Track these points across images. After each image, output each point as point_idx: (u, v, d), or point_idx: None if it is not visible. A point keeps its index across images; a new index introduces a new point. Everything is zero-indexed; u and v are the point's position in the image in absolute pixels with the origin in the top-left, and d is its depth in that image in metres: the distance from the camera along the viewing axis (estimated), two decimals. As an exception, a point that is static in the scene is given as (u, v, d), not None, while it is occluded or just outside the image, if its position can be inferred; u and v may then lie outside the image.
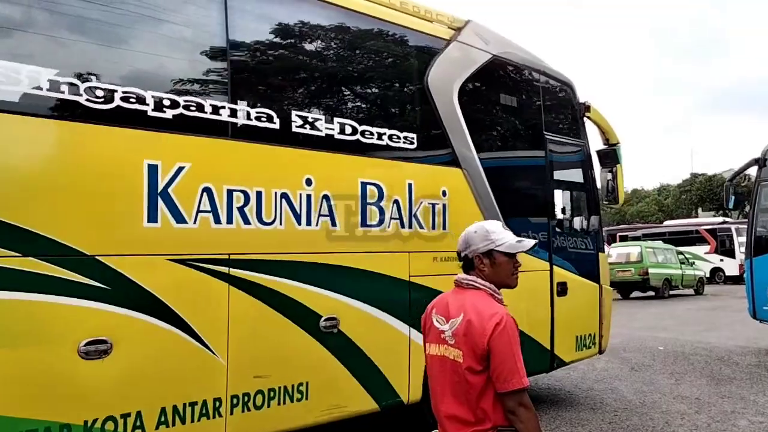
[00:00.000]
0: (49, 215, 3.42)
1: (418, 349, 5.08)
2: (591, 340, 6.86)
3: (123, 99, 3.69)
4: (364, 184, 4.82)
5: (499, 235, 2.66)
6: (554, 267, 6.42)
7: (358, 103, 5.00)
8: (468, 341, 2.47)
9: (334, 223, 4.62)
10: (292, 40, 4.68)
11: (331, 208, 4.59)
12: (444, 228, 5.40)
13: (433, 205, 5.32)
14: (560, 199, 6.83)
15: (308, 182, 4.48)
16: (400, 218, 5.06)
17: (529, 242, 2.71)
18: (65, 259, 3.43)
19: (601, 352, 7.06)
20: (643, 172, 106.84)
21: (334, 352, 4.58)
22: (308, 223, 4.46)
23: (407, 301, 5.08)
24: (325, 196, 4.57)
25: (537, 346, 6.20)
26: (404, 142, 5.16)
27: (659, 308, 18.89)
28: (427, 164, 5.39)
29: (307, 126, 4.53)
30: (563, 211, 6.87)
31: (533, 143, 6.52)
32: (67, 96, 3.52)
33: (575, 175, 7.05)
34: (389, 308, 4.95)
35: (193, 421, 3.86)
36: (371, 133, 4.92)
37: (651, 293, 23.06)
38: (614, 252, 23.69)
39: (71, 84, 3.53)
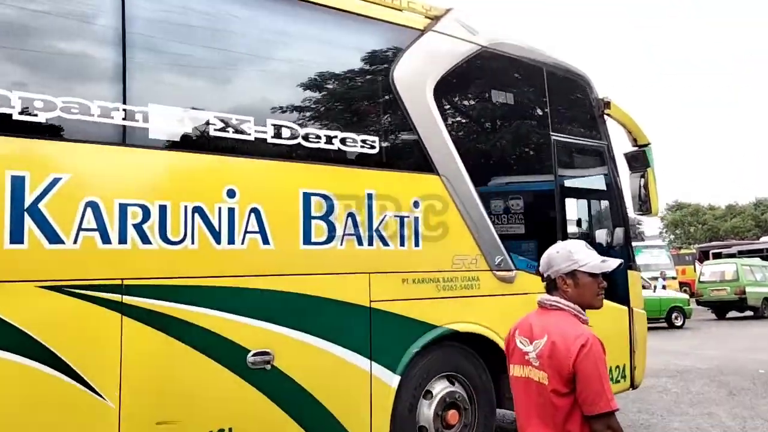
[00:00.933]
0: None
1: (382, 387, 4.34)
2: (620, 373, 5.85)
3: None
4: (307, 195, 4.14)
5: (582, 254, 2.63)
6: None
7: (300, 103, 4.33)
8: (553, 363, 2.47)
9: (266, 241, 3.96)
10: (210, 25, 4.07)
11: (261, 223, 3.95)
12: (416, 245, 4.64)
13: (402, 218, 4.58)
14: (575, 209, 5.92)
15: (230, 194, 3.85)
16: (357, 234, 4.35)
17: (614, 262, 2.68)
18: None
19: (633, 386, 6.03)
20: (737, 186, 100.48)
21: (267, 392, 3.89)
22: (230, 241, 3.83)
23: (367, 330, 4.34)
24: (254, 210, 3.92)
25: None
26: (362, 146, 4.47)
27: (759, 329, 17.37)
28: (394, 171, 4.67)
29: (230, 129, 3.92)
30: (578, 223, 5.96)
31: (537, 146, 5.67)
32: None
33: (594, 182, 6.12)
34: (342, 340, 4.22)
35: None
36: (317, 137, 4.26)
37: (749, 313, 21.27)
38: (707, 270, 22.59)
39: None
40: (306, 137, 4.20)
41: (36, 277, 3.25)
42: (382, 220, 4.47)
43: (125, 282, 3.48)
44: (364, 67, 4.72)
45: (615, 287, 5.99)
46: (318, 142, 4.25)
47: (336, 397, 4.18)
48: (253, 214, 3.91)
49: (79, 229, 3.36)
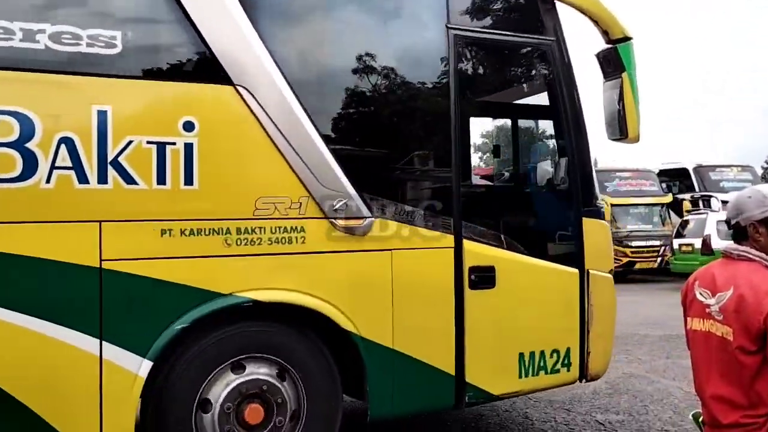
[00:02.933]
0: None
1: (121, 377, 3.17)
2: (559, 359, 4.21)
3: None
4: (-18, 113, 2.98)
5: None
6: (464, 241, 3.94)
7: None
8: (740, 318, 2.40)
9: None
10: None
11: None
12: (189, 182, 3.33)
13: (162, 145, 3.28)
14: (494, 134, 4.26)
15: None
16: (78, 168, 3.12)
17: None
18: None
19: (585, 377, 4.36)
20: None
21: None
22: None
23: (96, 300, 3.15)
24: None
25: (424, 370, 3.83)
26: (91, 46, 3.18)
27: None
28: (150, 80, 3.35)
29: None
30: (496, 152, 4.29)
31: (418, 41, 4.04)
32: None
33: (529, 96, 4.38)
34: (52, 313, 3.07)
35: None
36: (6, 31, 3.04)
37: None
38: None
39: None
40: (-14, 30, 3.01)
41: None
42: (125, 148, 3.20)
43: None
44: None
45: (555, 242, 4.33)
46: (10, 39, 3.04)
47: (38, 387, 3.06)
48: None
49: None
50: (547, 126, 4.49)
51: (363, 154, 3.88)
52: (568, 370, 4.25)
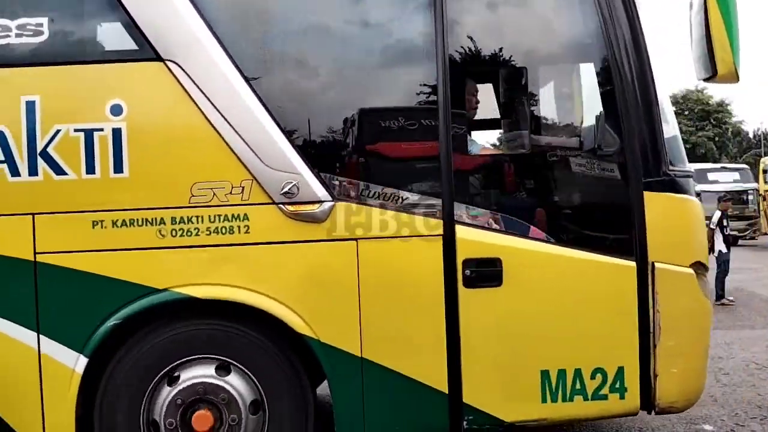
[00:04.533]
0: None
1: (58, 372, 3.14)
2: (605, 381, 3.15)
3: None
4: None
5: None
6: (458, 227, 3.13)
7: None
8: None
9: None
10: None
11: None
12: (119, 170, 3.12)
13: (90, 131, 3.11)
14: (499, 89, 3.27)
15: None
16: (10, 160, 3.11)
17: None
18: None
19: (653, 408, 3.21)
20: None
21: None
22: None
23: (30, 294, 3.13)
24: None
25: (406, 385, 3.16)
26: (20, 35, 3.13)
27: None
28: (76, 65, 3.18)
29: None
30: (506, 111, 3.29)
31: None
32: None
33: (547, 31, 3.28)
34: (-9, 306, 3.13)
35: None
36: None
37: None
38: None
39: None
40: None
41: None
42: (53, 137, 3.11)
43: None
44: None
45: (606, 224, 3.26)
46: (-51, 37, 3.12)
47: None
48: None
49: None
50: (572, 71, 3.35)
51: (318, 125, 3.28)
52: (622, 397, 3.17)
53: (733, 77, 3.12)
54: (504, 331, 3.17)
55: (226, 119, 3.10)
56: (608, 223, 3.26)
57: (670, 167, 3.22)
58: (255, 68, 3.19)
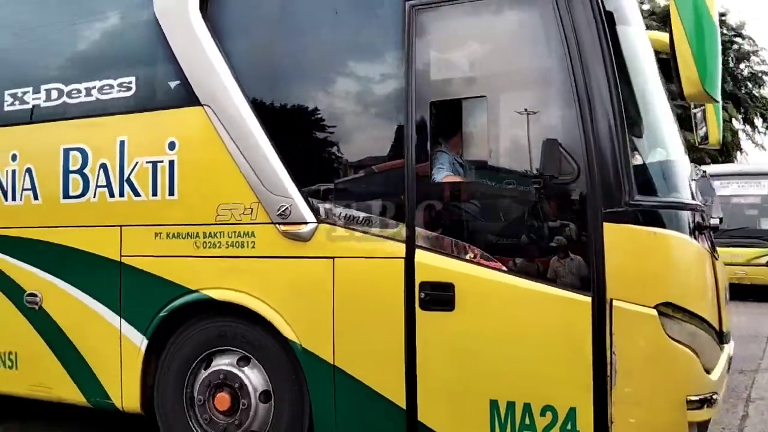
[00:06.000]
0: None
1: (130, 347, 4.12)
2: (555, 421, 2.98)
3: None
4: (66, 151, 4.29)
5: None
6: (417, 251, 3.28)
7: (65, 61, 4.36)
8: None
9: (36, 197, 4.41)
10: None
11: (33, 180, 4.43)
12: (171, 194, 3.96)
13: (155, 163, 4.01)
14: (461, 117, 3.25)
15: (14, 158, 4.51)
16: (109, 185, 4.15)
17: None
18: None
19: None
20: None
21: (38, 329, 4.39)
22: (14, 198, 4.50)
23: (117, 287, 4.13)
24: (28, 170, 4.44)
25: (369, 395, 3.42)
26: (118, 90, 4.16)
27: None
28: (149, 111, 4.07)
29: (17, 102, 4.53)
30: (467, 139, 3.22)
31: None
32: None
33: (503, 59, 3.15)
34: (96, 293, 4.20)
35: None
36: (78, 91, 4.29)
37: None
38: None
39: None
40: (69, 94, 4.31)
41: None
42: (134, 168, 4.07)
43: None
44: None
45: (562, 255, 3.12)
46: (79, 96, 4.28)
47: (90, 348, 4.22)
48: (27, 174, 4.45)
49: None
50: (542, 93, 3.09)
51: (308, 156, 3.69)
52: (566, 436, 2.97)
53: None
54: (455, 355, 3.22)
55: (241, 152, 3.73)
56: (565, 255, 3.06)
57: (640, 197, 2.92)
58: (264, 111, 3.76)
